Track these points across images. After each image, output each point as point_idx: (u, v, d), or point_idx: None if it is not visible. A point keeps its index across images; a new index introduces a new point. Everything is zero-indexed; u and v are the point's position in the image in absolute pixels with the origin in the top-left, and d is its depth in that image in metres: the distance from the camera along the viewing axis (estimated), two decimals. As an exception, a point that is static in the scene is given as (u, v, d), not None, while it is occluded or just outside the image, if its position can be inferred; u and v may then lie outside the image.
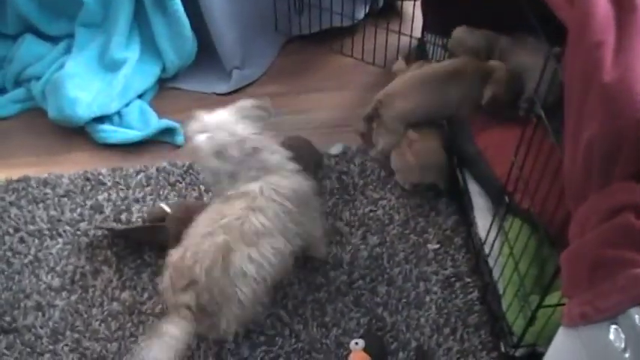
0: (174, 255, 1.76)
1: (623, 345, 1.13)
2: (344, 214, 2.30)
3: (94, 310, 2.12)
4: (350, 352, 1.93)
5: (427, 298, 2.08)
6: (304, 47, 3.02)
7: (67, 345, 2.05)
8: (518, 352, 1.88)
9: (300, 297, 2.10)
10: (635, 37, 1.27)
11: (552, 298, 1.68)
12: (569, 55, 1.34)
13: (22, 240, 2.32)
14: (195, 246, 1.73)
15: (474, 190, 2.23)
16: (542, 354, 1.64)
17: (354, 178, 2.41)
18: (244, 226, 1.75)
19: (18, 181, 2.51)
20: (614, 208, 1.20)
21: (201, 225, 1.79)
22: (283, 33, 2.98)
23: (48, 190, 2.47)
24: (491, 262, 2.04)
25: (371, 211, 2.31)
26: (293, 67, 2.94)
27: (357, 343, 1.93)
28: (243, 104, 1.95)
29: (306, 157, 2.32)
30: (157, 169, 2.49)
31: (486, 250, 2.06)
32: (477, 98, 2.26)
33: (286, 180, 1.88)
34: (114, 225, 2.29)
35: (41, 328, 2.10)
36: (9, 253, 2.29)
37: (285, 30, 2.96)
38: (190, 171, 2.46)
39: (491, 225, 2.05)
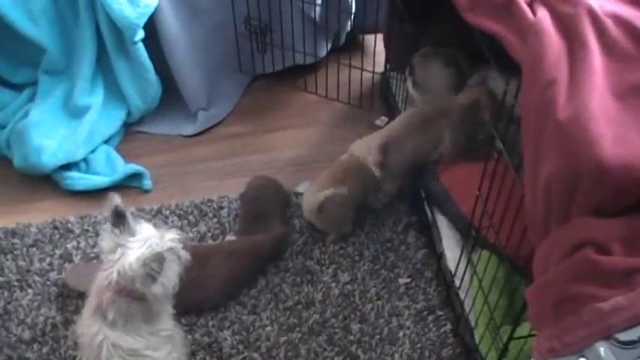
0: None
1: (591, 377, 1.15)
2: (314, 252, 2.31)
3: (66, 362, 2.10)
4: (325, 392, 1.93)
5: (400, 333, 2.09)
6: (269, 86, 3.03)
7: (39, 399, 2.03)
8: (493, 384, 1.89)
9: (273, 338, 2.09)
10: (588, 73, 1.31)
11: (523, 330, 1.70)
12: (524, 93, 1.37)
13: (-10, 292, 2.30)
14: None
15: (442, 222, 2.25)
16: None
17: (322, 215, 2.41)
18: None
19: (-17, 232, 2.49)
20: (574, 244, 1.23)
21: None
22: (247, 73, 3.00)
23: (16, 240, 2.44)
24: (461, 294, 2.05)
25: (341, 248, 2.32)
26: (258, 106, 2.95)
27: (332, 383, 1.93)
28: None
29: (273, 196, 2.34)
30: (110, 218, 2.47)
31: (457, 282, 2.07)
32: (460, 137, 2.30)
33: (131, 337, 1.75)
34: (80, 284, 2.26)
35: (13, 382, 2.07)
36: (-23, 308, 2.26)
37: (249, 70, 2.98)
38: (159, 215, 2.45)
39: (460, 257, 2.07)
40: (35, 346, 2.13)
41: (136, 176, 2.62)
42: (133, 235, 1.73)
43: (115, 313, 1.72)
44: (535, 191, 1.31)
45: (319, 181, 2.30)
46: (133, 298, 1.72)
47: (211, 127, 2.86)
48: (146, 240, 1.73)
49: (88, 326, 1.75)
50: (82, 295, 2.19)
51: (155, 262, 1.67)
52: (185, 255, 1.82)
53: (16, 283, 2.31)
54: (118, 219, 1.73)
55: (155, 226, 1.80)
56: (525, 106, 1.36)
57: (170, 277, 1.76)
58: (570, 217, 1.25)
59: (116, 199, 1.76)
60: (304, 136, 2.78)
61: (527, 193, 1.36)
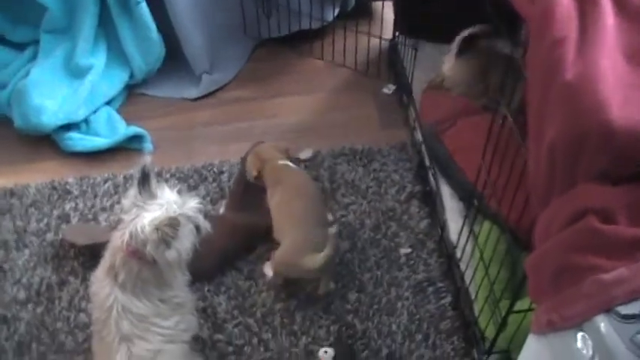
0: None
1: (590, 352, 1.10)
2: (314, 219, 2.26)
3: (60, 323, 2.07)
4: (320, 360, 1.89)
5: (399, 304, 2.05)
6: (274, 51, 2.98)
7: (32, 358, 2.00)
8: (491, 359, 1.84)
9: (269, 305, 2.06)
10: (599, 32, 1.24)
11: (523, 303, 1.66)
12: (531, 54, 1.31)
13: (-13, 251, 2.28)
14: None
15: (446, 192, 2.20)
16: (516, 361, 1.62)
17: (324, 182, 2.37)
18: None
19: (-17, 191, 2.46)
20: (577, 212, 1.17)
21: None
22: (252, 37, 2.94)
23: (14, 201, 2.42)
24: (462, 266, 2.01)
25: (342, 215, 2.28)
26: (263, 71, 2.90)
27: (326, 352, 1.90)
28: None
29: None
30: (125, 177, 2.45)
31: (458, 254, 2.03)
32: None
33: (145, 300, 1.73)
34: (78, 239, 2.24)
35: (6, 341, 2.05)
36: (-27, 265, 2.24)
37: (254, 34, 2.92)
38: (159, 178, 2.41)
39: (462, 228, 2.02)
40: (30, 306, 2.12)
41: (137, 138, 2.58)
42: (153, 198, 1.71)
43: (126, 275, 1.70)
44: (539, 156, 1.25)
45: (295, 235, 2.01)
46: (144, 261, 1.69)
47: (215, 91, 2.81)
48: (165, 204, 1.70)
49: (101, 286, 1.73)
50: (77, 257, 2.19)
51: (169, 228, 1.65)
52: (205, 225, 1.79)
53: (12, 243, 2.29)
54: (144, 179, 1.70)
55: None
56: (531, 66, 1.30)
57: (185, 244, 1.74)
58: (574, 184, 1.19)
59: (147, 157, 1.73)
60: (309, 102, 2.73)
61: (530, 158, 1.31)
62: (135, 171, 1.71)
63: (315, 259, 1.90)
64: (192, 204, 1.76)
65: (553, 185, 1.24)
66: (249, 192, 2.21)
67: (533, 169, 1.29)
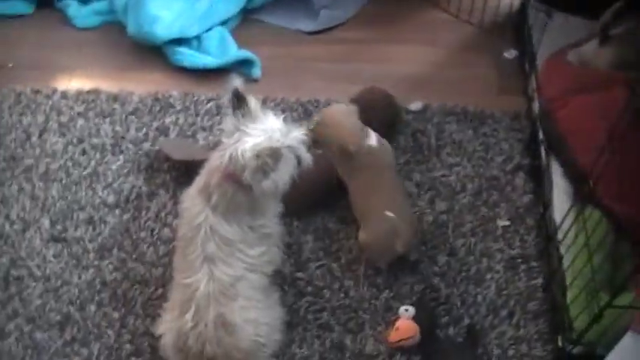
0: (173, 340, 1.68)
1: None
2: (414, 174, 2.19)
3: (144, 233, 2.07)
4: (398, 317, 1.84)
5: (488, 276, 1.97)
6: None
7: (112, 263, 2.03)
8: (576, 350, 1.76)
9: (355, 252, 2.01)
10: None
11: (623, 299, 1.58)
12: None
13: (84, 152, 2.29)
14: (192, 328, 1.64)
15: (556, 170, 2.08)
16: (602, 356, 1.54)
17: (430, 138, 2.28)
18: (217, 286, 1.65)
19: (89, 92, 2.48)
20: None
21: (178, 304, 1.69)
22: None
23: (116, 106, 2.42)
24: (562, 249, 1.90)
25: (443, 175, 2.19)
26: (383, 14, 2.78)
27: (407, 310, 1.83)
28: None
29: (383, 109, 2.20)
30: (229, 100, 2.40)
31: (559, 235, 1.92)
32: None
33: (232, 225, 1.69)
34: (174, 153, 2.22)
35: (90, 242, 2.07)
36: (69, 163, 2.26)
37: None
38: (263, 106, 2.35)
39: (569, 210, 1.90)
40: (117, 212, 2.13)
41: (246, 63, 2.54)
42: (254, 122, 1.67)
43: (220, 197, 1.67)
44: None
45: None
46: (239, 186, 1.66)
47: (331, 28, 2.73)
48: (269, 131, 1.66)
49: (192, 204, 1.72)
50: (170, 171, 2.18)
51: (270, 158, 1.62)
52: (307, 158, 1.75)
53: (109, 147, 2.30)
54: (238, 102, 1.67)
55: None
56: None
57: (283, 176, 1.70)
58: None
59: (236, 80, 1.70)
60: (426, 54, 2.62)
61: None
62: (227, 93, 1.68)
63: (400, 244, 1.87)
64: (296, 134, 1.71)
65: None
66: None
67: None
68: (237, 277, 1.67)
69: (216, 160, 1.68)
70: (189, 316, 1.64)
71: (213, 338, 1.62)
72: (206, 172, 1.73)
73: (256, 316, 1.68)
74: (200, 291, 1.64)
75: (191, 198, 1.74)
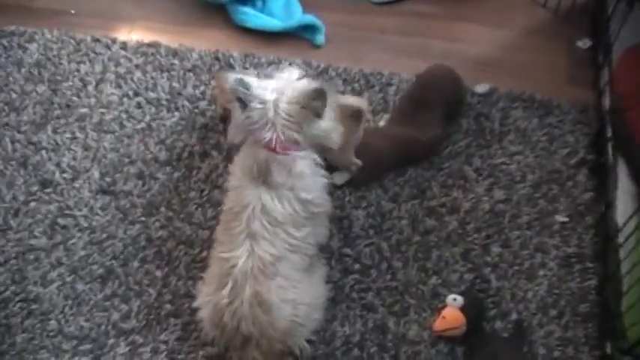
0: (210, 315, 1.66)
1: None
2: (474, 158, 2.11)
3: (193, 193, 2.04)
4: (445, 306, 1.79)
5: (541, 272, 1.90)
6: None
7: (158, 220, 2.01)
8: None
9: (407, 234, 1.96)
10: None
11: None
12: None
13: (139, 105, 2.27)
14: (228, 305, 1.61)
15: (622, 170, 1.99)
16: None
17: (494, 123, 2.19)
18: (256, 263, 1.61)
19: (148, 45, 2.45)
20: None
21: (216, 278, 1.66)
22: None
23: (175, 61, 2.39)
24: (622, 253, 1.82)
25: (503, 163, 2.11)
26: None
27: (455, 299, 1.78)
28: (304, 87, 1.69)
29: (448, 89, 2.13)
30: (290, 64, 2.35)
31: (620, 239, 1.83)
32: None
33: (284, 204, 1.67)
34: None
35: (138, 197, 2.06)
36: (124, 115, 2.24)
37: None
38: (324, 74, 2.31)
39: (633, 213, 1.82)
40: (168, 169, 2.11)
41: (311, 28, 2.48)
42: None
43: (277, 172, 1.66)
44: None
45: None
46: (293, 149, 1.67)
47: (401, 1, 2.63)
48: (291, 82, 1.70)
49: (242, 183, 1.70)
50: (225, 132, 2.13)
51: (314, 99, 1.64)
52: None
53: (164, 103, 2.27)
54: (243, 105, 1.68)
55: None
56: None
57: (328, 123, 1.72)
58: None
59: (234, 80, 1.68)
60: (496, 35, 2.52)
61: None
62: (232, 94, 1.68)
63: None
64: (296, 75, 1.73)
65: None
66: (416, 111, 2.08)
67: None
68: (278, 257, 1.63)
69: (262, 136, 1.66)
70: (225, 292, 1.61)
71: (248, 316, 1.59)
72: (252, 149, 1.71)
73: (295, 296, 1.64)
74: (238, 267, 1.60)
75: (240, 176, 1.72)
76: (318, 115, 1.65)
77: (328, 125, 1.72)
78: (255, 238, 1.62)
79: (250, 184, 1.67)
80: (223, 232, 1.70)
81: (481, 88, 2.27)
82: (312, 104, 1.62)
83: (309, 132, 1.67)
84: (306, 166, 1.72)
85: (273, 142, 1.64)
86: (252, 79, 1.68)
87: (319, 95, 1.62)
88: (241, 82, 1.64)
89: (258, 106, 1.65)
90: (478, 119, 2.20)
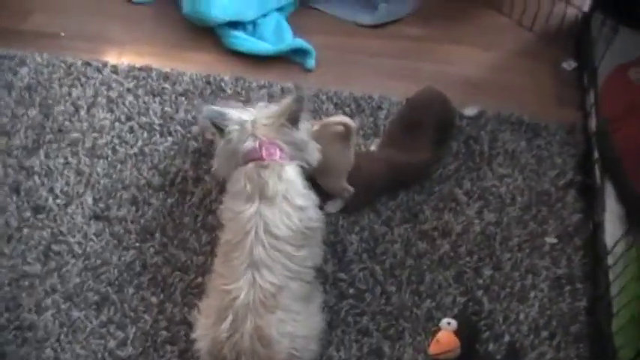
0: (208, 348, 1.66)
1: None
2: (464, 181, 2.14)
3: (187, 219, 2.05)
4: (439, 329, 1.79)
5: (532, 294, 1.93)
6: None
7: (153, 247, 2.01)
8: (617, 380, 1.71)
9: (400, 257, 1.98)
10: None
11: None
12: None
13: (131, 130, 2.28)
14: (228, 338, 1.61)
15: (610, 193, 2.02)
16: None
17: (483, 146, 2.22)
18: (257, 295, 1.61)
19: (139, 69, 2.46)
20: None
21: (215, 310, 1.66)
22: None
23: (167, 85, 2.40)
24: (611, 275, 1.84)
25: (493, 185, 2.13)
26: (442, 13, 2.71)
27: (449, 323, 1.79)
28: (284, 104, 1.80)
29: (437, 112, 2.15)
30: (282, 89, 2.37)
31: (610, 261, 1.86)
32: None
33: (283, 218, 1.70)
34: None
35: (132, 223, 2.06)
36: (116, 141, 2.24)
37: None
38: (315, 99, 2.33)
39: (622, 236, 1.85)
40: (161, 194, 2.11)
41: (301, 52, 2.50)
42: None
43: (269, 179, 1.71)
44: None
45: None
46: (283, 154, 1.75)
47: (388, 23, 2.67)
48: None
49: (240, 209, 1.71)
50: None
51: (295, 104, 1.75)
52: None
53: (157, 127, 2.28)
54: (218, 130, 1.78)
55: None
56: None
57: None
58: None
59: (207, 109, 1.81)
60: (484, 57, 2.56)
61: None
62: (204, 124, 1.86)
63: None
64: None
65: None
66: (407, 134, 2.11)
67: None
68: (280, 286, 1.64)
69: (245, 149, 1.74)
70: (225, 325, 1.61)
71: (248, 350, 1.59)
72: (239, 171, 1.76)
73: (293, 329, 1.64)
74: (240, 300, 1.61)
75: (234, 204, 1.74)
76: (295, 120, 1.74)
77: (305, 137, 1.81)
78: (256, 267, 1.63)
79: (246, 205, 1.69)
80: (222, 265, 1.71)
81: (470, 110, 2.30)
82: (290, 109, 1.73)
83: (288, 140, 1.74)
84: (294, 174, 1.77)
85: (258, 149, 1.70)
86: (226, 109, 1.78)
87: (296, 100, 1.72)
88: (214, 111, 1.74)
89: (236, 127, 1.73)
90: (467, 142, 2.23)
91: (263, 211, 1.66)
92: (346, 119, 1.98)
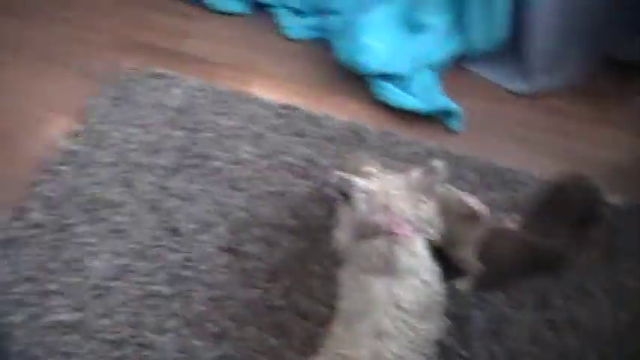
0: None
1: None
2: (599, 275, 2.04)
3: (317, 267, 2.07)
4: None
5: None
6: (622, 74, 2.60)
7: (279, 289, 2.02)
8: None
9: (523, 343, 1.91)
10: None
11: None
12: None
13: (272, 167, 2.32)
14: None
15: None
16: None
17: (625, 239, 2.11)
18: None
19: (287, 107, 2.49)
20: None
21: None
22: (606, 51, 2.61)
23: (312, 127, 2.42)
24: None
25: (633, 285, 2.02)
26: (599, 90, 2.59)
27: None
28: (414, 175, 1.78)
29: (582, 200, 2.05)
30: (427, 150, 2.34)
31: None
32: None
33: (411, 292, 1.66)
34: None
35: (261, 261, 2.09)
36: (257, 176, 2.30)
37: (614, 51, 2.59)
38: (458, 165, 2.28)
39: None
40: (294, 237, 2.14)
41: (448, 112, 2.47)
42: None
43: (402, 255, 1.68)
44: None
45: None
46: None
47: (542, 94, 2.58)
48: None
49: (366, 282, 1.70)
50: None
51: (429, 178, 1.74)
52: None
53: (298, 170, 2.31)
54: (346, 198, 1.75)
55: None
56: None
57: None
58: None
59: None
60: (638, 144, 2.42)
61: None
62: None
63: None
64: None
65: None
66: (548, 218, 2.03)
67: None
68: (400, 356, 1.61)
69: (376, 222, 1.71)
70: None
71: None
72: (364, 244, 1.73)
73: None
74: None
75: (363, 276, 1.72)
76: (428, 194, 1.71)
77: (434, 212, 1.77)
78: (381, 338, 1.60)
79: (376, 279, 1.67)
80: (344, 330, 1.69)
81: (615, 199, 2.20)
82: (424, 184, 1.72)
83: (419, 214, 1.71)
84: (423, 247, 1.74)
85: (391, 224, 1.67)
86: (355, 178, 1.75)
87: (431, 173, 1.71)
88: (342, 179, 1.74)
89: (363, 195, 1.71)
90: (608, 232, 2.13)
91: (392, 285, 1.65)
92: (477, 206, 1.94)
